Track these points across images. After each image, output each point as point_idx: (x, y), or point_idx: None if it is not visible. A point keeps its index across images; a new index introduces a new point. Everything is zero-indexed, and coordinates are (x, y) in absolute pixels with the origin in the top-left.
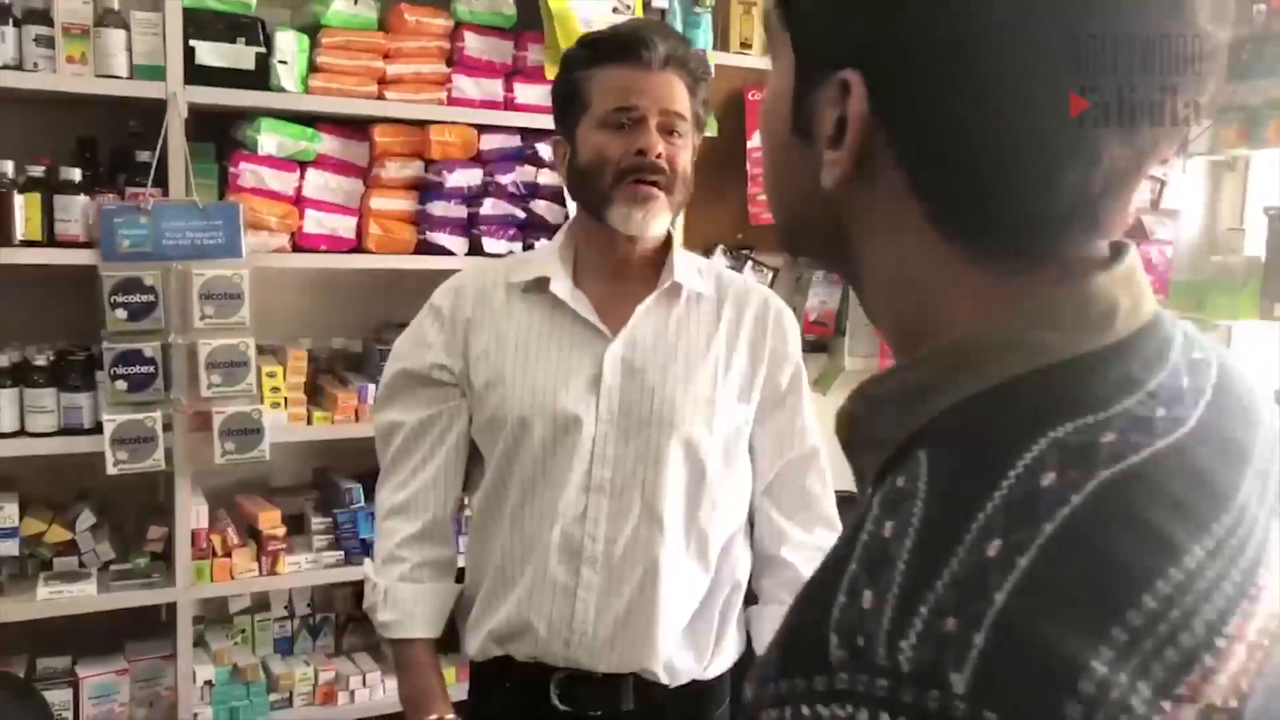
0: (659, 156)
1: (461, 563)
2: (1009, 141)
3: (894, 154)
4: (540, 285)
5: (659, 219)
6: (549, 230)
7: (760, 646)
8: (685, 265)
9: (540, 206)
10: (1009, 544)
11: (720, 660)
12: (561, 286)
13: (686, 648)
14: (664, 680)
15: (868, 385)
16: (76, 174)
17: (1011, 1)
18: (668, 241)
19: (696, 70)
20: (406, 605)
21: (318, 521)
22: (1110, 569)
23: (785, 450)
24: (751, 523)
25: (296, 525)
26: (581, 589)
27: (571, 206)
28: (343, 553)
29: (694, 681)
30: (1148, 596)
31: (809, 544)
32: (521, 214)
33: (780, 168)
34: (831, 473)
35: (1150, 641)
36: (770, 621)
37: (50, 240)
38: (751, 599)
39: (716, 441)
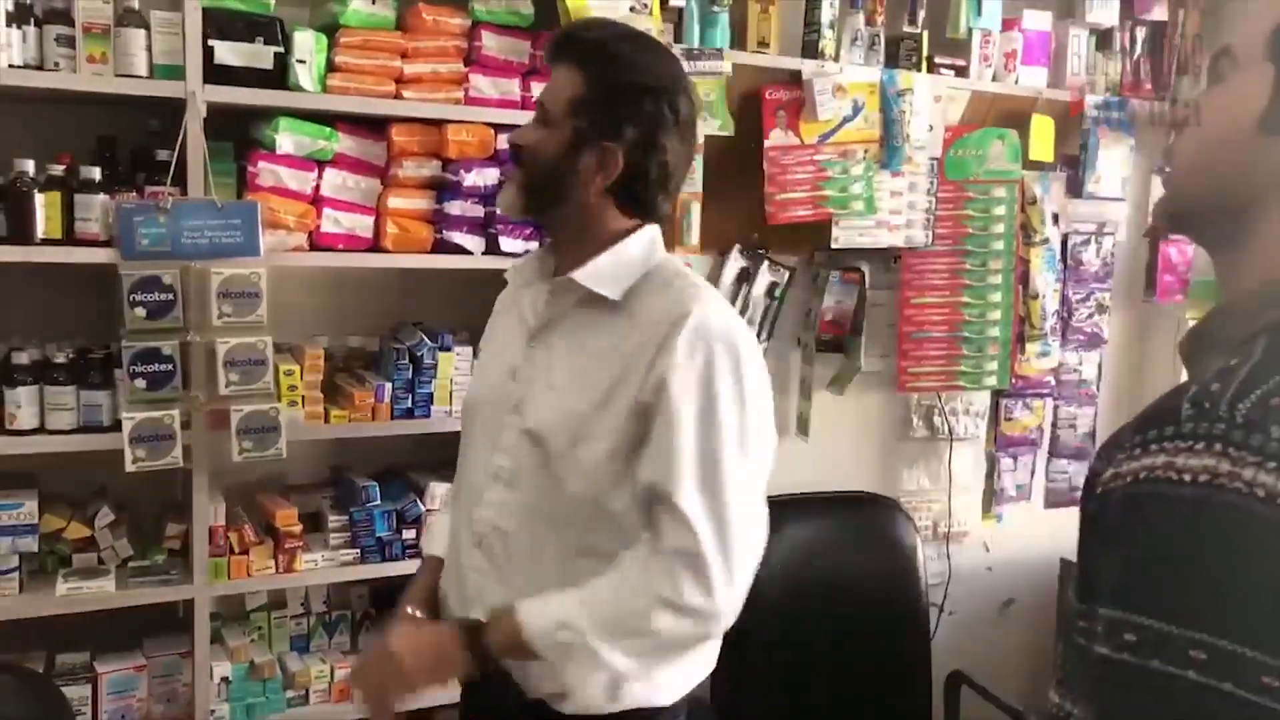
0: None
1: None
2: None
3: None
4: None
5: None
6: None
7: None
8: (601, 267)
9: None
10: None
11: None
12: (515, 279)
13: None
14: None
15: (1218, 306)
16: (96, 173)
17: None
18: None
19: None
20: (433, 530)
21: (334, 519)
22: None
23: (646, 474)
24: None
25: (313, 523)
26: (474, 571)
27: None
28: (359, 551)
29: None
30: None
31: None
32: None
33: (1226, 157)
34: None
35: None
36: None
37: (70, 239)
38: None
39: (597, 449)
